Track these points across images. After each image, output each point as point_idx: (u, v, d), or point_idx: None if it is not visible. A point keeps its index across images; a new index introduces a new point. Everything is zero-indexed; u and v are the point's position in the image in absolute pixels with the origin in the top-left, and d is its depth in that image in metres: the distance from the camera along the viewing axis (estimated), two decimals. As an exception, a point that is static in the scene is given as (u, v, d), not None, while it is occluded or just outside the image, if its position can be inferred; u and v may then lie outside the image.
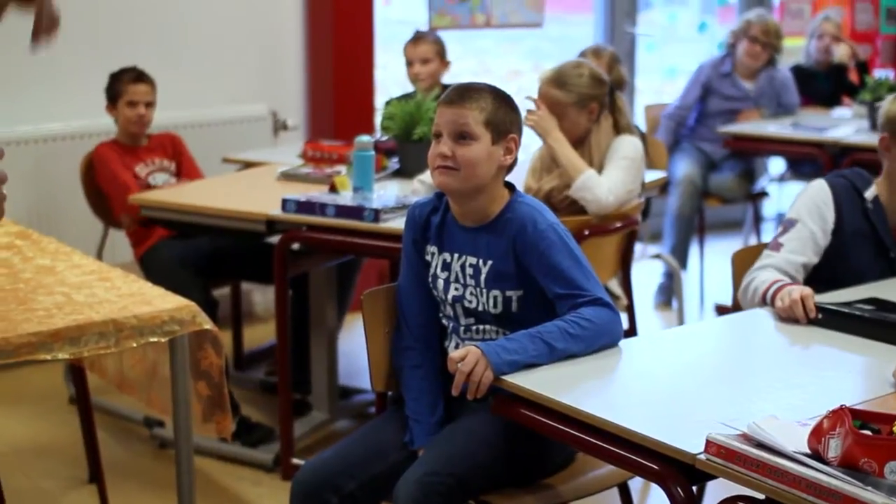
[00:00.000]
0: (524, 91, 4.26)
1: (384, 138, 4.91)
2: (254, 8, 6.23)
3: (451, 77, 5.92)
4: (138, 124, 5.10)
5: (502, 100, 2.97)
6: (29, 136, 5.47)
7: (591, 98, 4.16)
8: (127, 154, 5.12)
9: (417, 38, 5.75)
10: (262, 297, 6.27)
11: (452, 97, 2.97)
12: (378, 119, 5.94)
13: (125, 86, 5.08)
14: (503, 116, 2.94)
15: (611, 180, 4.10)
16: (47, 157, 5.50)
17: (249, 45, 6.24)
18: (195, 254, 4.86)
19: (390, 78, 6.70)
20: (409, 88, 5.80)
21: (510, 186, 3.03)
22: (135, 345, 3.00)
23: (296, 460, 4.27)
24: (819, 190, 3.46)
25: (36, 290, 3.21)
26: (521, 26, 7.22)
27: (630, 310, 4.48)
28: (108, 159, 5.05)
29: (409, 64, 5.72)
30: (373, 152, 4.28)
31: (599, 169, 4.15)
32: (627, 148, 4.21)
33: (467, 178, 2.91)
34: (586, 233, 4.00)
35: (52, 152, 5.51)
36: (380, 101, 6.34)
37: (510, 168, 3.01)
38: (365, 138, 4.29)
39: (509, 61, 11.39)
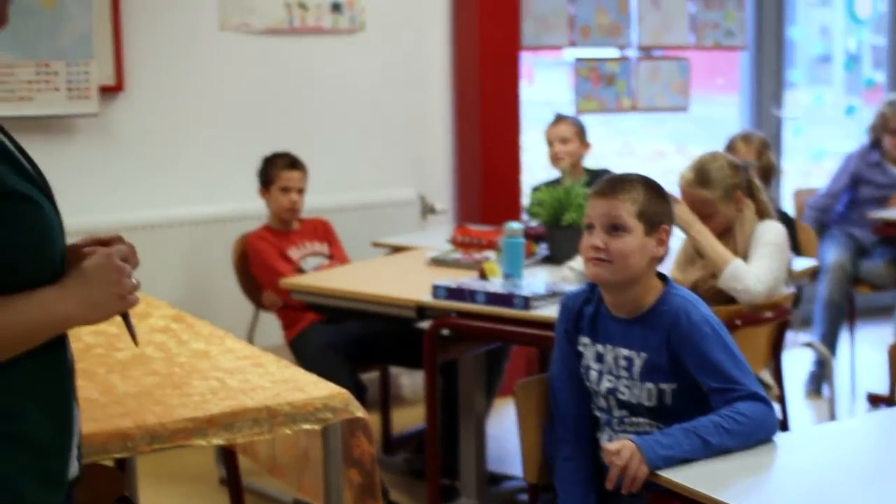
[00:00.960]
0: (669, 173, 4.23)
1: (533, 224, 4.92)
2: (402, 92, 6.32)
3: (594, 159, 5.94)
4: (291, 211, 5.19)
5: (654, 191, 2.97)
6: (183, 219, 5.60)
7: (735, 187, 4.13)
8: (279, 238, 5.20)
9: (558, 119, 5.81)
10: (409, 379, 6.30)
11: (604, 188, 2.97)
12: (525, 202, 5.97)
13: (279, 172, 5.18)
14: (655, 207, 2.94)
15: (758, 269, 4.05)
16: (200, 239, 5.62)
17: (398, 129, 6.32)
18: (345, 338, 4.90)
19: (534, 159, 6.72)
20: (553, 170, 5.83)
21: (663, 277, 3.02)
22: (288, 432, 3.02)
23: (443, 547, 4.27)
24: None
25: (191, 375, 3.26)
26: (666, 110, 7.22)
27: (782, 400, 4.40)
28: (260, 250, 5.14)
29: (550, 144, 5.76)
30: (522, 239, 4.30)
31: (745, 257, 4.11)
32: (771, 234, 4.16)
33: (620, 270, 2.91)
34: (738, 322, 3.95)
35: (205, 234, 5.63)
36: (525, 182, 6.38)
37: (662, 258, 3.00)
38: (515, 225, 4.32)
39: (653, 143, 11.35)
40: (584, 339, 3.05)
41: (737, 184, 4.13)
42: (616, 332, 2.99)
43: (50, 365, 1.87)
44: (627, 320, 2.97)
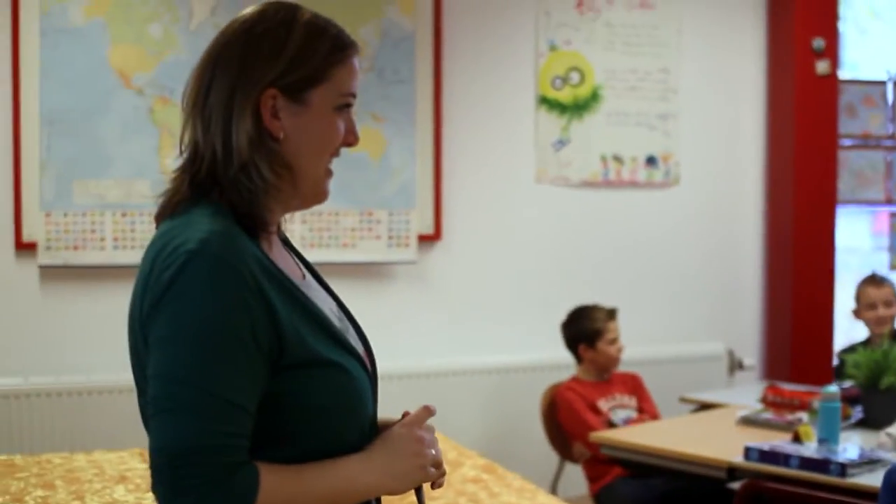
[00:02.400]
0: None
1: (847, 385, 4.80)
2: (713, 246, 6.31)
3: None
4: (619, 359, 5.21)
5: None
6: (492, 366, 5.71)
7: None
8: (589, 390, 5.22)
9: (880, 280, 5.58)
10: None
11: None
12: (835, 362, 5.82)
13: (604, 324, 5.20)
14: None
15: None
16: (506, 387, 5.71)
17: (708, 282, 6.30)
18: (651, 494, 4.86)
19: (838, 311, 6.52)
20: (857, 327, 5.65)
21: None
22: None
23: None
24: None
25: (503, 527, 3.31)
26: None
27: None
28: (570, 400, 5.16)
29: (872, 307, 5.54)
30: (839, 403, 4.20)
31: None
32: None
33: None
34: None
35: (513, 382, 5.72)
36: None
37: None
38: (832, 389, 4.23)
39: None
40: (910, 517, 2.95)
41: None
42: (944, 510, 2.88)
43: None
44: (957, 499, 2.86)
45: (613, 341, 5.21)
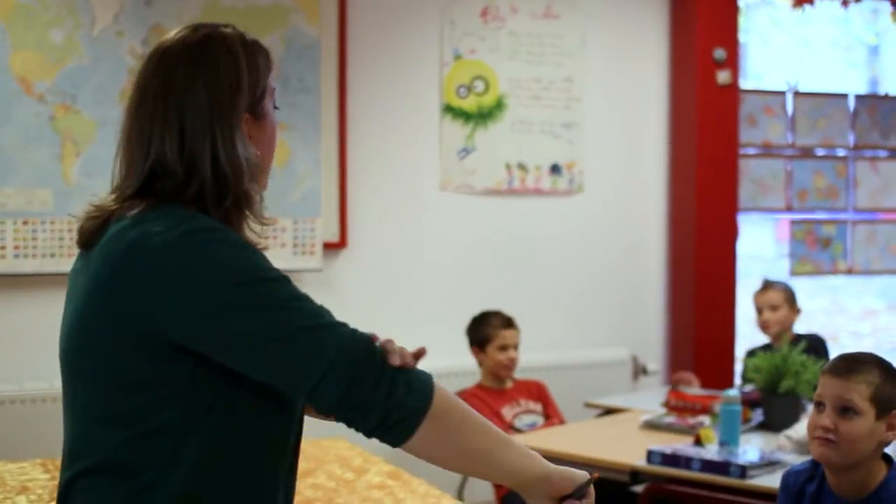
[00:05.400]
0: (879, 332, 4.14)
1: (748, 389, 4.88)
2: (617, 253, 6.38)
3: (803, 319, 5.84)
4: (509, 368, 5.24)
5: (889, 374, 2.90)
6: (398, 374, 5.71)
7: None
8: (493, 397, 5.25)
9: (766, 286, 5.71)
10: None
11: (839, 368, 2.90)
12: (738, 367, 5.91)
13: (496, 331, 5.24)
14: (889, 391, 2.87)
15: None
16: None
17: (612, 289, 6.36)
18: (556, 498, 4.89)
19: (741, 316, 6.64)
20: (762, 335, 5.76)
21: (888, 459, 2.96)
22: None
23: None
24: None
25: (408, 534, 3.32)
26: (884, 273, 7.10)
27: None
28: (475, 408, 5.18)
29: (758, 312, 5.68)
30: (739, 407, 4.27)
31: None
32: None
33: (847, 454, 2.85)
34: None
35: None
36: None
37: (890, 443, 2.94)
38: (732, 392, 4.31)
39: (863, 300, 11.11)
40: (806, 517, 3.00)
41: None
42: (839, 512, 2.93)
43: None
44: (852, 502, 2.91)
45: (504, 348, 5.24)
